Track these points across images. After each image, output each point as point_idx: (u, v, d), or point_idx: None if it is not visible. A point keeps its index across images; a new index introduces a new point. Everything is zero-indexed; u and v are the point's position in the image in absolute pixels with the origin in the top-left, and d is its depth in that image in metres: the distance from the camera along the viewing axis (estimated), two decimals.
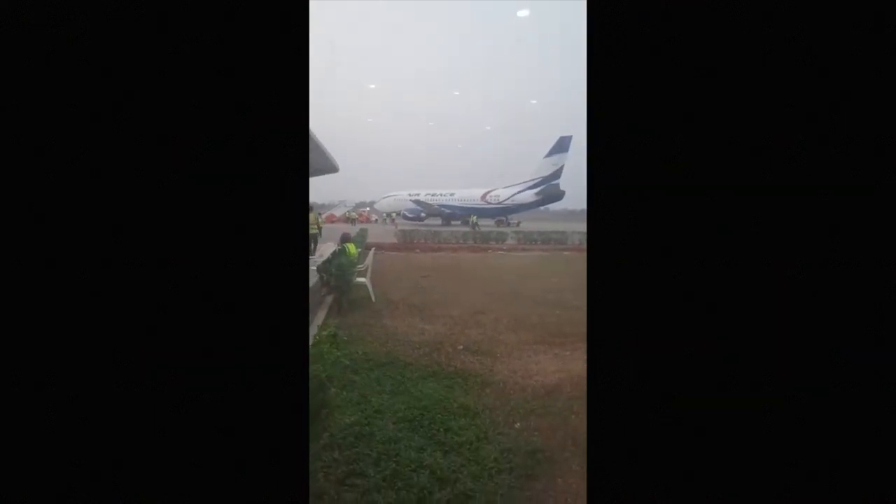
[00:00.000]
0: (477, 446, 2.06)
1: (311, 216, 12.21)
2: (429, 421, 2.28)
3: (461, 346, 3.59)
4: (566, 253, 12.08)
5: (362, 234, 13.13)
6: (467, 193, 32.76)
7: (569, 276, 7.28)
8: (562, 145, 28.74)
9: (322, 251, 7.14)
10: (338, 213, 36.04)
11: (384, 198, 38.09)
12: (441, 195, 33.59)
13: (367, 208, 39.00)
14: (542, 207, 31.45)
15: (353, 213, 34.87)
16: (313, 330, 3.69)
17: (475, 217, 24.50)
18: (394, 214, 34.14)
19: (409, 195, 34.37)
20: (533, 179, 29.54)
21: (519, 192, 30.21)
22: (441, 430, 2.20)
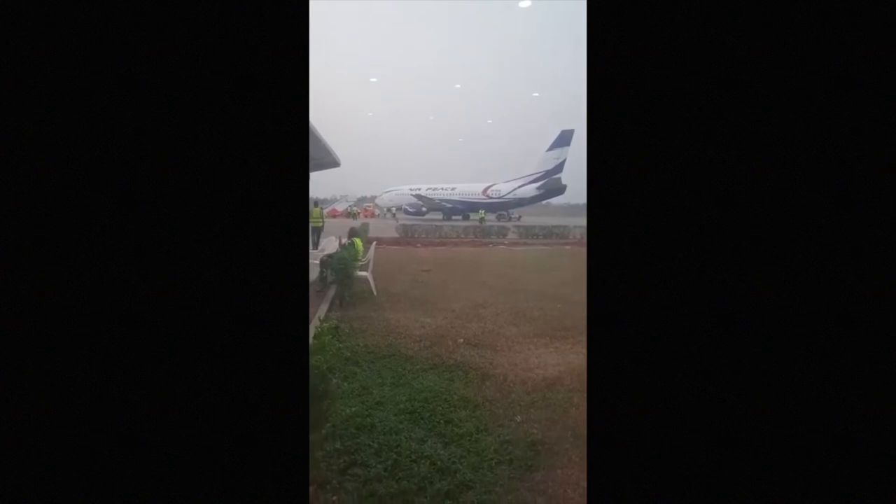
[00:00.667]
0: (477, 438, 2.08)
1: (315, 210, 12.32)
2: (429, 413, 2.30)
3: (462, 340, 3.60)
4: (567, 247, 12.06)
5: (364, 228, 13.13)
6: (468, 188, 32.70)
7: (570, 271, 7.28)
8: (564, 139, 28.62)
9: (324, 245, 7.15)
10: (339, 207, 36.05)
11: (385, 192, 38.06)
12: (442, 190, 33.54)
13: (369, 203, 38.95)
14: (543, 202, 31.38)
15: (355, 208, 34.84)
16: (315, 322, 3.70)
17: (483, 212, 24.48)
18: (394, 209, 34.13)
19: (410, 190, 34.34)
20: (535, 174, 29.46)
21: (520, 186, 30.14)
22: (441, 421, 2.21)
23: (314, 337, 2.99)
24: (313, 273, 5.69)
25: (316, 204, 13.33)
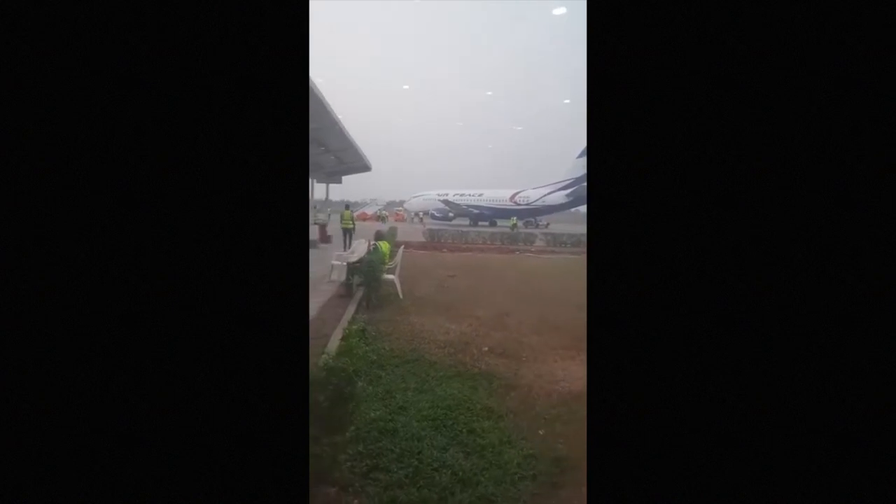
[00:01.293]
0: (500, 450, 2.04)
1: (346, 213, 12.62)
2: (452, 421, 2.27)
3: (486, 348, 3.56)
4: None
5: (392, 232, 13.30)
6: (496, 194, 32.56)
7: None
8: None
9: (354, 247, 7.27)
10: (369, 211, 36.71)
11: (413, 197, 38.44)
12: (469, 195, 33.55)
13: (400, 208, 39.49)
14: (572, 209, 30.85)
15: (384, 212, 35.40)
16: (343, 324, 3.76)
17: (515, 219, 24.29)
18: (421, 214, 34.38)
19: (438, 195, 34.53)
20: (565, 181, 28.99)
21: (549, 193, 29.73)
22: (464, 430, 2.18)
23: (342, 339, 3.04)
24: (340, 275, 5.79)
25: (347, 207, 13.66)
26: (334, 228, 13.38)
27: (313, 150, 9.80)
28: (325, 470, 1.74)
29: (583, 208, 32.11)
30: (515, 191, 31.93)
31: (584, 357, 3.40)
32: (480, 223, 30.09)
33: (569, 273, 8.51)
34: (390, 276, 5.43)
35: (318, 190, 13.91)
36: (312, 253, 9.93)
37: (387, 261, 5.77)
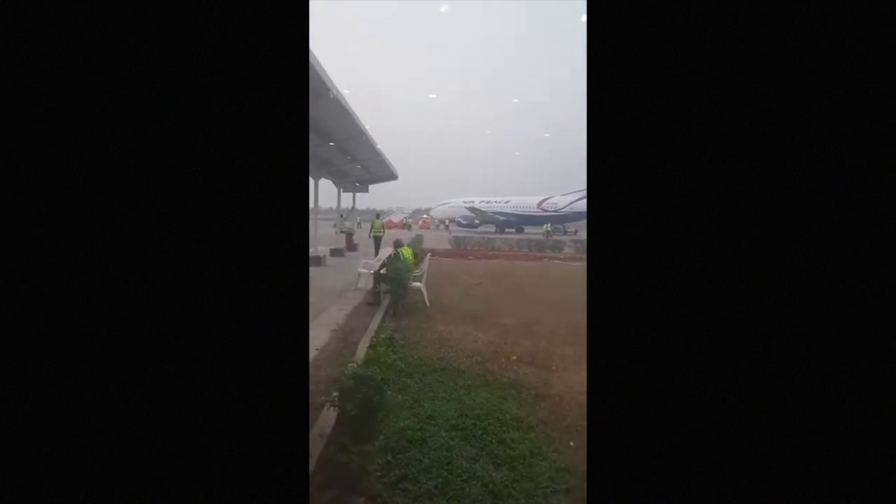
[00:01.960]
0: (531, 462, 1.98)
1: (377, 222, 12.86)
2: (481, 431, 2.24)
3: (515, 357, 3.51)
4: None
5: (418, 240, 13.39)
6: (523, 201, 32.31)
7: None
8: None
9: (381, 255, 7.37)
10: (395, 219, 37.21)
11: (440, 205, 38.68)
12: (496, 203, 33.42)
13: (425, 215, 39.86)
14: None
15: (409, 220, 35.81)
16: (370, 332, 3.79)
17: (548, 226, 24.01)
18: (447, 221, 34.50)
19: (464, 202, 34.60)
20: None
21: (578, 199, 29.20)
22: (494, 441, 2.15)
23: (370, 347, 3.07)
24: (368, 283, 5.87)
25: (378, 216, 13.92)
26: (360, 237, 13.62)
27: (341, 160, 10.02)
28: (354, 480, 1.74)
29: None
30: (543, 197, 31.57)
31: None
32: (507, 230, 29.88)
33: None
34: (417, 284, 5.46)
35: (344, 199, 14.19)
36: (340, 261, 10.15)
37: (411, 267, 5.80)
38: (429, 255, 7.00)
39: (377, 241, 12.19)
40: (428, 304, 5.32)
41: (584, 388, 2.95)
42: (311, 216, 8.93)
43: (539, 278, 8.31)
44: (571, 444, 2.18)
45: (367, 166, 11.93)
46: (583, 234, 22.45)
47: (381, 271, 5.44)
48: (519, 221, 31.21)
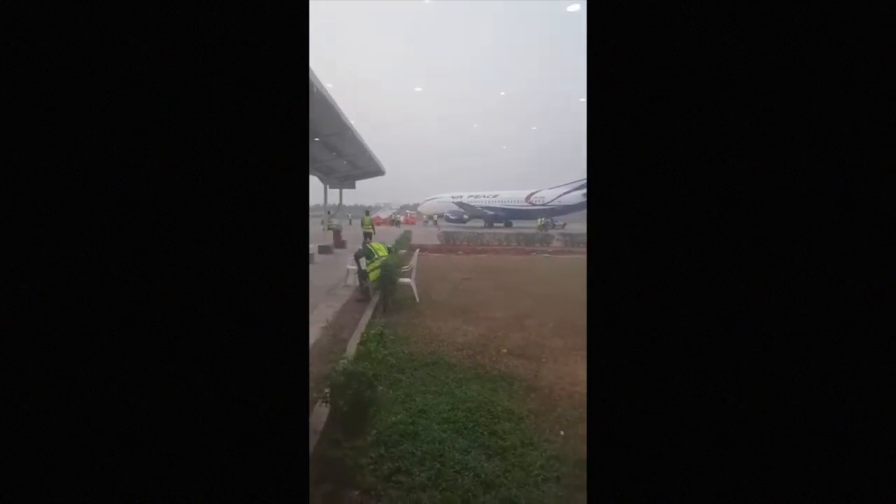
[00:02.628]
0: (522, 452, 2.03)
1: (366, 218, 12.82)
2: (473, 423, 2.28)
3: (505, 350, 3.55)
4: None
5: (406, 236, 13.37)
6: (511, 195, 32.44)
7: None
8: None
9: (375, 265, 7.37)
10: (383, 215, 37.01)
11: (427, 200, 38.56)
12: (484, 197, 33.48)
13: (409, 211, 39.75)
14: None
15: (398, 216, 35.63)
16: (361, 328, 3.80)
17: (542, 220, 24.15)
18: (435, 216, 34.47)
19: (452, 197, 34.56)
20: (581, 180, 28.72)
21: (566, 192, 29.47)
22: (485, 433, 2.19)
23: (360, 343, 3.08)
24: (357, 280, 5.86)
25: (367, 212, 13.83)
26: (350, 234, 13.55)
27: (326, 156, 9.96)
28: (348, 474, 1.77)
29: None
30: (531, 191, 31.73)
31: None
32: (496, 224, 29.98)
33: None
34: (406, 280, 5.47)
35: (331, 195, 14.11)
36: (328, 259, 10.09)
37: (402, 264, 5.81)
38: (417, 251, 7.00)
39: (368, 238, 12.18)
40: (418, 299, 5.34)
41: (574, 380, 3.03)
42: None
43: (528, 272, 8.39)
44: (562, 433, 2.23)
45: (353, 162, 11.87)
46: (570, 228, 22.69)
47: (363, 268, 5.44)
48: (507, 216, 31.35)
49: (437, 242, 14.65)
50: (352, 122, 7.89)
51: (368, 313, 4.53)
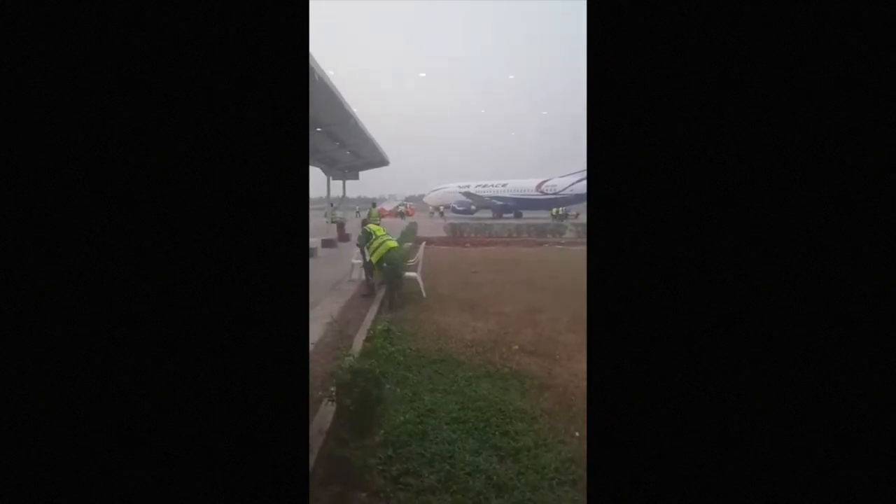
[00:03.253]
0: (536, 453, 2.01)
1: (373, 211, 12.84)
2: (484, 423, 2.26)
3: (516, 346, 3.53)
4: None
5: (411, 227, 13.36)
6: (521, 184, 32.24)
7: None
8: None
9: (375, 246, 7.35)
10: (388, 207, 36.96)
11: (433, 191, 38.46)
12: (492, 186, 33.28)
13: (409, 203, 39.48)
14: None
15: (402, 207, 35.63)
16: (366, 325, 3.81)
17: (558, 209, 23.95)
18: (442, 207, 34.37)
19: (459, 187, 34.42)
20: None
21: (578, 181, 29.16)
22: (497, 433, 2.17)
23: (367, 339, 3.08)
24: (362, 273, 5.87)
25: (374, 205, 13.83)
26: (352, 227, 13.57)
27: (329, 146, 9.95)
28: (355, 475, 1.76)
29: None
30: (542, 179, 31.48)
31: None
32: (505, 215, 29.84)
33: None
34: (412, 274, 5.46)
35: (334, 187, 14.14)
36: (332, 252, 10.13)
37: (407, 257, 5.80)
38: (423, 243, 6.98)
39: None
40: (424, 294, 5.33)
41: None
42: None
43: (539, 264, 8.34)
44: (577, 434, 2.21)
45: (356, 152, 11.84)
46: (583, 218, 22.49)
47: (367, 259, 5.44)
48: (517, 206, 31.20)
49: (444, 234, 14.63)
50: (354, 110, 7.84)
51: (374, 308, 4.54)
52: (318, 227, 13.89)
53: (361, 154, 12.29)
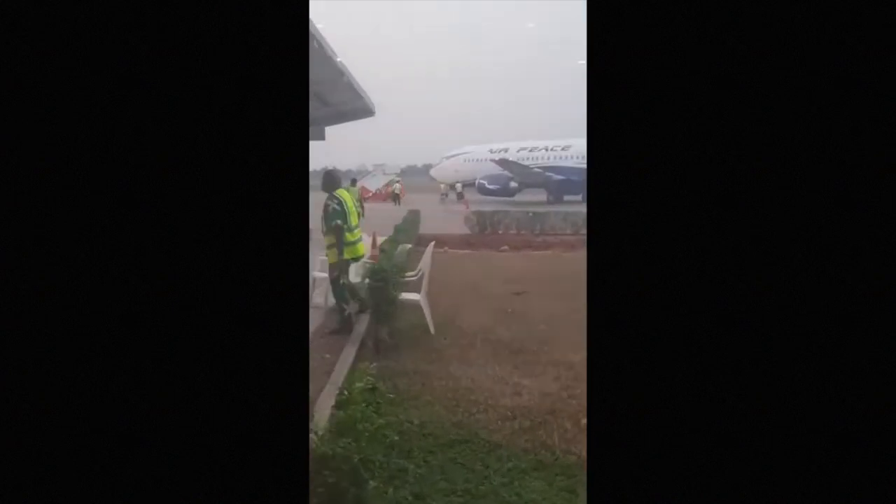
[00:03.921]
0: None
1: (354, 191, 12.95)
2: None
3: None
4: None
5: (412, 219, 13.40)
6: None
7: None
8: None
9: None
10: (372, 185, 36.73)
11: (448, 158, 38.23)
12: (546, 151, 32.96)
13: (398, 179, 38.38)
14: None
15: (397, 183, 35.20)
16: (337, 381, 3.82)
17: None
18: (460, 186, 34.18)
19: (491, 152, 34.21)
20: None
21: None
22: None
23: (336, 406, 3.09)
24: (330, 296, 5.87)
25: (354, 182, 13.89)
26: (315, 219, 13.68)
27: None
28: None
29: None
30: None
31: None
32: (568, 198, 29.65)
33: None
34: (413, 296, 5.45)
35: None
36: None
37: (403, 266, 5.78)
38: (431, 245, 6.95)
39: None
40: (432, 329, 5.36)
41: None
42: None
43: None
44: None
45: (320, 93, 11.85)
46: None
47: (338, 275, 5.37)
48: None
49: (465, 230, 14.67)
50: (319, 26, 7.93)
51: (350, 352, 4.57)
52: None
53: (329, 97, 12.39)
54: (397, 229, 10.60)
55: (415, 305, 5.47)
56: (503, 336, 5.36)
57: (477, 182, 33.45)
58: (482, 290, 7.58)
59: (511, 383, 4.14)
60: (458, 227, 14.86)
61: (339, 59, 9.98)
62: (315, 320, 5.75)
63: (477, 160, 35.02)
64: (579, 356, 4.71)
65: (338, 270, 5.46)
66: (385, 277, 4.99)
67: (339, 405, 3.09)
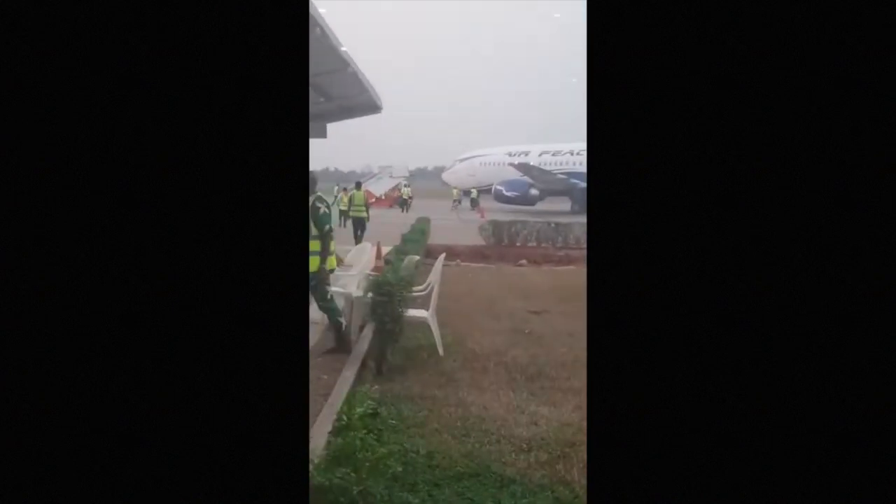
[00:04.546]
0: None
1: (359, 195, 13.08)
2: None
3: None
4: None
5: (421, 228, 13.41)
6: None
7: None
8: None
9: (350, 259, 7.38)
10: (378, 189, 36.59)
11: (461, 160, 38.24)
12: (572, 155, 32.86)
13: (405, 184, 38.03)
14: None
15: (407, 189, 34.94)
16: (335, 404, 3.83)
17: None
18: (474, 192, 34.10)
19: (509, 155, 34.12)
20: None
21: None
22: None
23: (336, 431, 3.10)
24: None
25: (358, 185, 13.97)
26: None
27: None
28: None
29: None
30: None
31: None
32: None
33: None
34: (420, 313, 5.44)
35: None
36: None
37: (411, 279, 5.78)
38: (442, 257, 6.96)
39: (357, 227, 12.34)
40: (441, 350, 5.36)
41: None
42: None
43: None
44: None
45: (323, 87, 11.94)
46: None
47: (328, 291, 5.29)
48: None
49: (480, 241, 14.67)
50: (322, 10, 8.04)
51: (349, 374, 4.57)
52: None
53: (331, 91, 12.49)
54: (405, 239, 10.61)
55: (422, 323, 5.48)
56: (519, 359, 5.35)
57: (493, 188, 33.40)
58: (497, 307, 7.58)
59: (527, 412, 4.13)
60: (471, 238, 14.86)
61: (343, 49, 10.06)
62: (314, 336, 5.62)
63: (494, 164, 35.01)
64: None
65: (317, 281, 5.25)
66: (390, 292, 4.96)
67: (336, 431, 3.10)
